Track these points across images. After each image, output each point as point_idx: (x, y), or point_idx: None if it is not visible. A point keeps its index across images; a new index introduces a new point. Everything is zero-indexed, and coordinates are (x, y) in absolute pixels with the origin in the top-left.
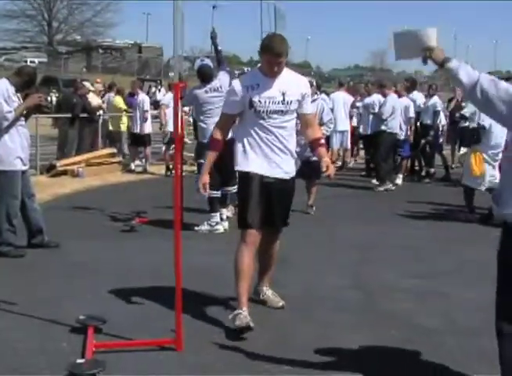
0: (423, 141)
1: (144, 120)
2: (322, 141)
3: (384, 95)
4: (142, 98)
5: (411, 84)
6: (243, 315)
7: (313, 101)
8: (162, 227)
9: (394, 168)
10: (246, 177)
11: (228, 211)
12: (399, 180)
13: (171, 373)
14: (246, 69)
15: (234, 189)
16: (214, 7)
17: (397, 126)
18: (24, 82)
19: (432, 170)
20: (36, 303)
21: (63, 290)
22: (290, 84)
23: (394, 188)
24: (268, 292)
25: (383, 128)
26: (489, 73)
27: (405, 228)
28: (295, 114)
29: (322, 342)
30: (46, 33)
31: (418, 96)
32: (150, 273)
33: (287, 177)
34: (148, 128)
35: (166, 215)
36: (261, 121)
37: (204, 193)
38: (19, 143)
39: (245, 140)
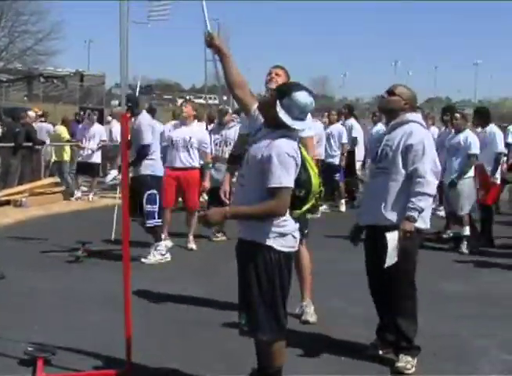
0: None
1: (97, 149)
2: None
3: None
4: (98, 128)
5: (348, 111)
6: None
7: (230, 127)
8: (108, 257)
9: (332, 195)
10: None
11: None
12: (343, 207)
13: None
14: (188, 97)
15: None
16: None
17: (322, 152)
18: None
19: None
20: None
21: (9, 321)
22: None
23: (319, 216)
24: (305, 309)
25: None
26: (430, 99)
27: (353, 254)
28: None
29: None
30: None
31: (354, 123)
32: (98, 303)
33: None
34: (98, 157)
35: (112, 244)
36: None
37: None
38: None
39: None
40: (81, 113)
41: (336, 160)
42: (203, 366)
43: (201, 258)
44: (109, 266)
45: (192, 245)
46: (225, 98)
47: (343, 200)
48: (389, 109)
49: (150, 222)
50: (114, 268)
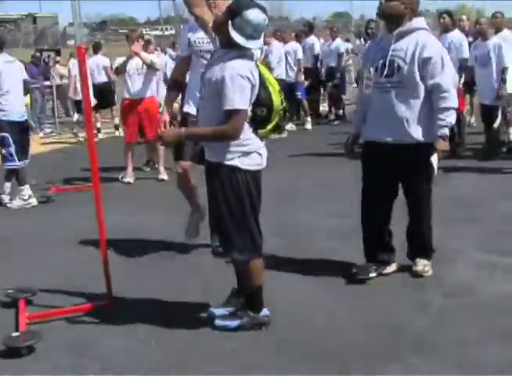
0: (329, 84)
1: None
2: None
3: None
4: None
5: (308, 29)
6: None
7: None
8: (80, 194)
9: (297, 113)
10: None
11: (130, 177)
12: (309, 125)
13: (108, 331)
14: (144, 30)
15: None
16: None
17: (283, 72)
18: None
19: (341, 111)
20: None
21: None
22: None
23: (285, 135)
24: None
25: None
26: None
27: (316, 170)
28: None
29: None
30: None
31: (315, 40)
32: (74, 241)
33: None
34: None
35: (83, 181)
36: (198, 57)
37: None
38: None
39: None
40: (37, 54)
41: (292, 79)
42: (181, 295)
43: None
44: (80, 203)
45: (164, 176)
46: (181, 27)
47: (308, 118)
48: (388, 15)
49: (9, 165)
50: (86, 203)
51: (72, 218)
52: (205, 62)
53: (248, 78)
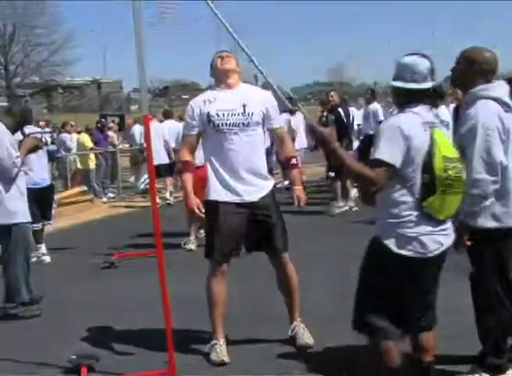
0: None
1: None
2: (295, 161)
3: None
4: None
5: (371, 96)
6: (219, 348)
7: None
8: (142, 260)
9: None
10: (210, 207)
11: (192, 244)
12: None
13: None
14: None
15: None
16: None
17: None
18: (17, 123)
19: None
20: (26, 346)
21: (50, 331)
22: (250, 96)
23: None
24: (297, 328)
25: None
26: (447, 77)
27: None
28: (261, 129)
29: (312, 354)
30: (3, 77)
31: (378, 107)
32: (137, 308)
33: (259, 196)
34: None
35: (145, 247)
36: (222, 139)
37: (200, 213)
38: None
39: (208, 165)
40: (102, 120)
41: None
42: (243, 366)
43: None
44: (144, 270)
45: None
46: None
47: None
48: (454, 79)
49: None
50: (150, 270)
51: (135, 285)
52: (227, 141)
53: (401, 130)
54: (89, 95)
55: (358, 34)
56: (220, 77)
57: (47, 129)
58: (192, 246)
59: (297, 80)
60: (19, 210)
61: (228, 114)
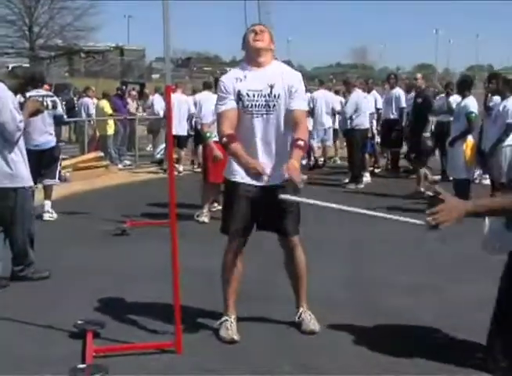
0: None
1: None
2: (301, 143)
3: (349, 92)
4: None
5: (395, 80)
6: (230, 325)
7: None
8: (154, 229)
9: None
10: (229, 186)
11: (205, 217)
12: (366, 178)
13: (170, 372)
14: (229, 69)
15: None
16: None
17: (363, 122)
18: (19, 85)
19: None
20: (33, 309)
21: (59, 295)
22: (278, 77)
23: (363, 186)
24: (303, 315)
25: (349, 126)
26: (471, 67)
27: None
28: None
29: (321, 340)
30: (27, 38)
31: (401, 93)
32: (146, 276)
33: (279, 182)
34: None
35: (158, 217)
36: (248, 119)
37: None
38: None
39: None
40: (123, 87)
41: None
42: (250, 338)
43: None
44: (156, 238)
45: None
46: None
47: (366, 172)
48: None
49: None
50: (161, 239)
51: (146, 253)
52: (253, 122)
53: None
54: (111, 62)
55: (384, 17)
56: (251, 55)
57: (50, 93)
58: (205, 218)
59: (319, 60)
60: (22, 174)
61: (257, 95)
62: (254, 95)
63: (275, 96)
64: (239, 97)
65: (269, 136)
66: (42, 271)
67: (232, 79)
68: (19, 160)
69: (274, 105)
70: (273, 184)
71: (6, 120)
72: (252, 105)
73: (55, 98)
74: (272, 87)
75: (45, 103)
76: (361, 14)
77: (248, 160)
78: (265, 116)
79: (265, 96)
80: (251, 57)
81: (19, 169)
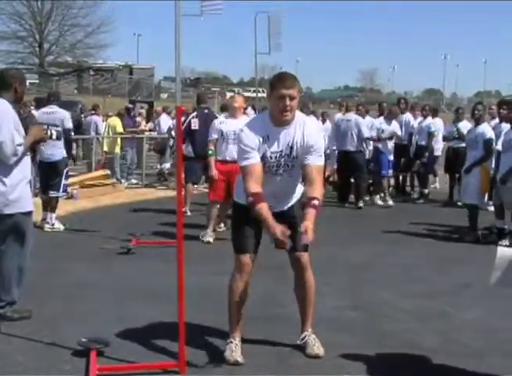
0: (418, 162)
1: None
2: (316, 202)
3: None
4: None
5: (405, 106)
6: (234, 347)
7: None
8: (159, 248)
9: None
10: (237, 209)
11: (210, 237)
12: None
13: None
14: (237, 90)
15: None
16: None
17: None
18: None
19: (426, 191)
20: (36, 326)
21: (63, 312)
22: (298, 135)
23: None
24: (307, 338)
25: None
26: (478, 93)
27: (400, 248)
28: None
29: (325, 363)
30: (37, 54)
31: (411, 118)
32: (151, 295)
33: (288, 206)
34: None
35: (163, 236)
36: (265, 175)
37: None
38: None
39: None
40: (131, 106)
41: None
42: (256, 366)
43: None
44: (161, 257)
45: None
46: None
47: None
48: None
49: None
50: (166, 259)
51: (150, 272)
52: (271, 176)
53: None
54: (119, 80)
55: (395, 41)
56: (276, 111)
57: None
58: (210, 239)
59: (327, 82)
60: (20, 197)
61: (278, 156)
62: (276, 157)
63: (293, 157)
64: (262, 158)
65: (285, 187)
66: (23, 311)
67: (255, 137)
68: (18, 182)
69: (293, 165)
70: (281, 210)
71: (3, 139)
72: (273, 166)
73: (59, 128)
74: (291, 148)
75: (49, 133)
76: (371, 37)
77: (273, 226)
78: (283, 174)
79: (284, 156)
80: (277, 118)
81: (16, 193)
